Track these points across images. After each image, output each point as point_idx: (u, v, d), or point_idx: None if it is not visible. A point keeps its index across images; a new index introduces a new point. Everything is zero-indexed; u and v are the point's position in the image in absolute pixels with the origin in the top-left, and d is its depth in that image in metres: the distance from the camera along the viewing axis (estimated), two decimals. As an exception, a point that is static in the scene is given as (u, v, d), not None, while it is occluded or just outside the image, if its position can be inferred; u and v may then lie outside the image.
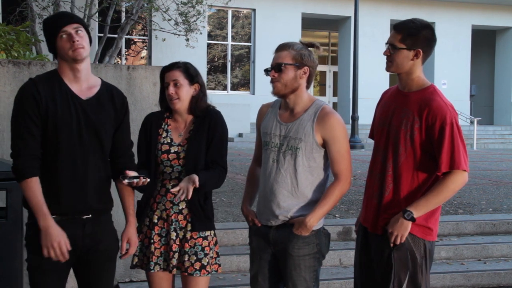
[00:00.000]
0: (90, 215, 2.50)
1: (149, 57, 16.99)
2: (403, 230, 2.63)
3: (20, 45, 5.54)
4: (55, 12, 12.13)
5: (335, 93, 21.06)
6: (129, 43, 18.50)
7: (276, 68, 2.74)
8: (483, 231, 5.85)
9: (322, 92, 21.72)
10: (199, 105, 2.87)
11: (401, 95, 2.78)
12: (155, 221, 2.83)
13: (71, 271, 2.60)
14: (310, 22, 19.10)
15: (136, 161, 2.84)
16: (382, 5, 19.03)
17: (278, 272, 2.85)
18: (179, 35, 14.47)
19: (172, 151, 2.83)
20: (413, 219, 2.61)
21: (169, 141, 2.86)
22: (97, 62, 12.39)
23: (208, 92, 3.00)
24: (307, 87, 2.82)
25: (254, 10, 18.21)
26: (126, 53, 18.27)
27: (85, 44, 2.45)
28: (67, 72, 2.48)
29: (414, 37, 2.67)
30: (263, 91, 14.39)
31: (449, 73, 19.86)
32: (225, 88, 18.55)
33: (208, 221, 2.85)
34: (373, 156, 2.87)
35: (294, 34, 16.68)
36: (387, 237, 2.70)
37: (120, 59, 17.08)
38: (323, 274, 3.52)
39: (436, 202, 2.64)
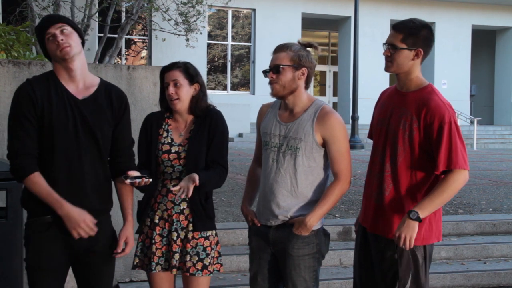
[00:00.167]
0: None
1: (149, 57, 16.98)
2: (411, 231, 2.59)
3: (20, 45, 5.55)
4: (55, 12, 12.15)
5: (335, 93, 21.05)
6: (129, 43, 18.50)
7: (274, 70, 2.74)
8: (483, 231, 5.85)
9: (322, 92, 21.71)
10: (199, 105, 2.86)
11: (399, 95, 2.78)
12: (156, 221, 2.83)
13: (71, 271, 2.60)
14: (310, 22, 19.10)
15: (136, 161, 2.84)
16: (382, 5, 19.03)
17: (277, 272, 2.85)
18: (179, 35, 14.47)
19: (172, 151, 2.82)
20: (419, 219, 2.58)
21: (169, 141, 2.85)
22: (97, 62, 12.40)
23: (208, 92, 3.00)
24: (306, 87, 2.82)
25: (254, 10, 18.21)
26: (126, 53, 18.27)
27: (72, 42, 2.43)
28: (62, 73, 2.48)
29: (415, 37, 2.67)
30: (263, 91, 14.37)
31: (449, 73, 19.86)
32: (225, 88, 18.55)
33: (209, 221, 2.85)
34: (371, 156, 2.87)
35: (294, 34, 16.68)
36: (386, 237, 2.70)
37: (120, 59, 17.08)
38: (323, 274, 3.52)
39: (440, 201, 2.62)
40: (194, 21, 14.28)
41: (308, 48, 2.81)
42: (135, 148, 2.84)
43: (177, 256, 2.78)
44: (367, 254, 2.85)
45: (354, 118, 14.59)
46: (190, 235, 2.79)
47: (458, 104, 17.63)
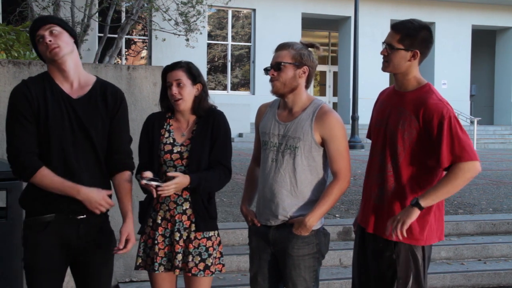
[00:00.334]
0: (85, 215, 2.49)
1: (149, 57, 16.98)
2: (405, 216, 2.58)
3: (20, 45, 5.55)
4: (55, 12, 12.15)
5: (335, 93, 21.06)
6: (129, 43, 18.50)
7: (275, 67, 2.75)
8: (483, 231, 5.85)
9: (322, 92, 21.72)
10: (202, 105, 2.85)
11: (397, 95, 2.78)
12: (159, 221, 2.82)
13: (69, 271, 2.60)
14: (310, 22, 19.10)
15: (136, 162, 2.84)
16: (382, 5, 19.03)
17: (277, 272, 2.85)
18: (179, 35, 14.48)
19: (175, 151, 2.81)
20: (418, 205, 2.57)
21: (171, 141, 2.84)
22: (97, 62, 12.39)
23: (208, 92, 3.00)
24: (306, 86, 2.82)
25: (254, 10, 18.20)
26: (126, 53, 18.26)
27: (61, 42, 2.42)
28: (56, 73, 2.48)
29: (412, 38, 2.66)
30: (263, 91, 14.39)
31: (449, 73, 19.86)
32: (225, 88, 18.55)
33: (212, 221, 2.84)
34: (370, 156, 2.86)
35: (294, 34, 16.67)
36: (386, 238, 2.70)
37: (120, 59, 17.08)
38: (323, 274, 3.52)
39: (445, 191, 2.59)
40: (194, 21, 14.29)
41: (309, 48, 2.81)
42: (135, 149, 2.84)
43: (179, 256, 2.77)
44: (365, 255, 2.85)
45: (354, 118, 14.59)
46: (192, 236, 2.79)
47: (458, 104, 17.63)
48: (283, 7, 18.10)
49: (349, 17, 18.41)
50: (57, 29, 2.44)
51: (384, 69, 2.74)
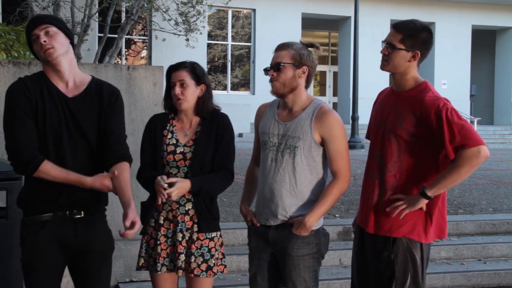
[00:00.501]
0: (82, 215, 2.49)
1: (149, 57, 16.99)
2: (411, 202, 2.62)
3: (20, 45, 5.56)
4: (55, 12, 12.16)
5: (335, 93, 21.06)
6: (129, 43, 18.50)
7: (275, 67, 2.75)
8: (483, 231, 5.85)
9: (322, 92, 21.72)
10: (205, 106, 2.85)
11: (395, 95, 2.78)
12: (161, 222, 2.81)
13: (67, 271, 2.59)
14: (310, 22, 19.10)
15: (140, 163, 2.84)
16: (382, 5, 19.03)
17: (277, 272, 2.85)
18: (179, 35, 14.48)
19: (178, 151, 2.81)
20: (424, 194, 2.59)
21: (174, 142, 2.84)
22: (97, 62, 12.39)
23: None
24: (306, 86, 2.82)
25: (254, 10, 18.20)
26: (126, 53, 18.26)
27: (56, 43, 2.42)
28: (51, 73, 2.48)
29: (413, 39, 2.66)
30: (263, 91, 14.39)
31: (449, 73, 19.85)
32: (225, 88, 18.55)
33: (214, 222, 2.84)
34: (369, 156, 2.86)
35: (294, 34, 16.67)
36: (387, 236, 2.70)
37: (120, 59, 17.08)
38: (323, 274, 3.52)
39: (451, 180, 2.58)
40: (194, 21, 14.29)
41: (309, 48, 2.81)
42: (136, 149, 2.84)
43: (182, 257, 2.77)
44: (364, 255, 2.84)
45: (354, 118, 14.59)
46: (195, 236, 2.78)
47: (458, 104, 17.61)
48: (283, 7, 18.10)
49: (349, 17, 18.41)
50: (52, 29, 2.43)
51: (383, 67, 2.74)
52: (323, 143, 2.74)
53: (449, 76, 19.89)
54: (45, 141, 2.42)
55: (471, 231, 5.83)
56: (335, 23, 19.99)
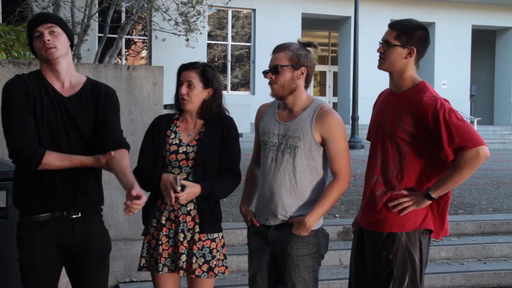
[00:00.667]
0: (79, 215, 2.49)
1: (149, 57, 16.99)
2: (415, 200, 2.63)
3: (20, 45, 5.56)
4: (55, 12, 12.15)
5: (335, 93, 21.05)
6: (129, 43, 18.50)
7: (273, 70, 2.75)
8: (483, 231, 5.85)
9: (322, 92, 21.71)
10: (208, 109, 2.84)
11: (393, 96, 2.78)
12: (163, 222, 2.80)
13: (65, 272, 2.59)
14: (310, 22, 19.10)
15: (140, 161, 2.84)
16: (382, 5, 19.03)
17: (277, 272, 2.84)
18: (179, 35, 14.48)
19: (180, 151, 2.80)
20: (428, 195, 2.61)
21: (177, 141, 2.83)
22: (97, 62, 12.39)
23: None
24: (306, 87, 2.81)
25: (254, 10, 18.21)
26: (126, 53, 18.27)
27: (59, 44, 2.43)
28: (48, 72, 2.49)
29: (408, 35, 2.66)
30: (263, 91, 14.38)
31: (449, 73, 19.85)
32: (225, 88, 18.54)
33: (217, 223, 2.84)
34: (370, 157, 2.85)
35: (294, 34, 16.67)
36: (385, 238, 2.70)
37: (120, 59, 17.09)
38: (323, 274, 3.52)
39: (453, 182, 2.58)
40: (194, 21, 14.29)
41: (308, 48, 2.80)
42: (137, 149, 2.84)
43: (183, 257, 2.77)
44: (363, 254, 2.84)
45: (354, 118, 14.58)
46: (196, 237, 2.78)
47: (458, 104, 17.62)
48: (283, 7, 18.10)
49: (349, 17, 18.41)
50: (57, 29, 2.45)
51: (380, 66, 2.74)
52: (323, 143, 2.74)
53: (449, 76, 19.88)
54: (42, 139, 2.42)
55: (471, 231, 5.83)
56: (335, 23, 19.99)
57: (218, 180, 2.76)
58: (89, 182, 2.53)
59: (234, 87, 18.85)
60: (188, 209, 2.79)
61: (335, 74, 21.17)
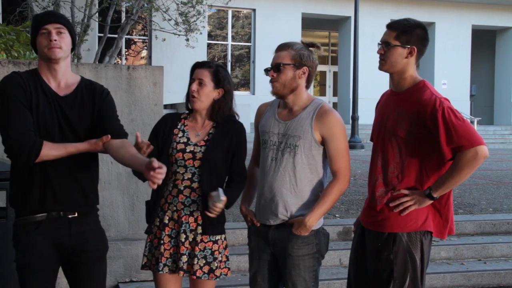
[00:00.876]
0: (76, 214, 2.50)
1: (149, 57, 16.99)
2: (416, 199, 2.63)
3: (20, 45, 5.56)
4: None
5: (335, 93, 21.05)
6: (129, 43, 18.49)
7: (275, 68, 2.75)
8: (483, 231, 5.85)
9: (322, 92, 21.71)
10: (220, 111, 2.84)
11: (394, 96, 2.78)
12: (166, 221, 2.80)
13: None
14: (310, 22, 19.10)
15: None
16: (382, 5, 19.03)
17: (277, 272, 2.84)
18: (179, 35, 14.48)
19: (187, 150, 2.79)
20: (430, 195, 2.61)
21: (185, 140, 2.83)
22: (97, 62, 12.39)
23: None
24: (307, 87, 2.82)
25: (254, 10, 18.20)
26: (126, 53, 18.26)
27: (64, 45, 2.46)
28: (45, 71, 2.50)
29: (408, 34, 2.66)
30: (263, 91, 14.39)
31: (449, 73, 19.85)
32: (225, 88, 18.52)
33: (220, 225, 2.84)
34: (372, 157, 2.85)
35: (294, 34, 16.68)
36: (386, 238, 2.70)
37: (120, 59, 17.08)
38: (323, 274, 3.52)
39: (453, 182, 2.58)
40: (194, 21, 14.30)
41: (310, 48, 2.81)
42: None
43: (184, 258, 2.76)
44: (364, 254, 2.84)
45: (354, 118, 14.58)
46: (198, 238, 2.77)
47: (458, 104, 17.61)
48: (283, 7, 18.10)
49: (349, 17, 18.41)
50: (65, 31, 2.48)
51: (381, 67, 2.73)
52: (323, 142, 2.74)
53: (449, 76, 19.88)
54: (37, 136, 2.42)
55: (471, 231, 5.83)
56: (335, 23, 19.99)
57: (235, 190, 2.82)
58: (86, 181, 2.53)
59: (234, 87, 18.75)
60: (191, 210, 2.78)
61: (335, 74, 21.18)
